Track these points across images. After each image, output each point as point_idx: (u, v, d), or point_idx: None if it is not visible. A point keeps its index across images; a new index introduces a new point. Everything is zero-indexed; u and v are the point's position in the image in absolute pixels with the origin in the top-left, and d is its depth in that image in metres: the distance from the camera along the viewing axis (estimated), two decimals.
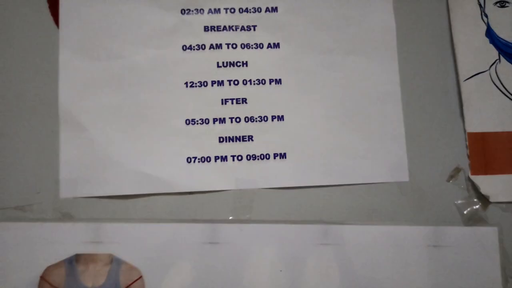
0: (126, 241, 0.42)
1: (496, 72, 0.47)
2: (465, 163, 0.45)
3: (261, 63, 0.46)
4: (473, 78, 0.47)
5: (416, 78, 0.47)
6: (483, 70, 0.47)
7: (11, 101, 0.44)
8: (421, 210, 0.45)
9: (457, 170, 0.45)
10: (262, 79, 0.46)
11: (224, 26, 0.46)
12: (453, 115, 0.46)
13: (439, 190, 0.45)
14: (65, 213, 0.43)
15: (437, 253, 0.44)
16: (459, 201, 0.45)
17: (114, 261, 0.42)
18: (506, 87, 0.47)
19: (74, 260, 0.42)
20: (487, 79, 0.47)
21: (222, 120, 0.45)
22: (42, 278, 0.41)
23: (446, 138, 0.46)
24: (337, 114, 0.46)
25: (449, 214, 0.45)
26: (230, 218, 0.44)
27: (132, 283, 0.42)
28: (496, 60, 0.47)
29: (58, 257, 0.42)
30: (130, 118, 0.44)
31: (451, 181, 0.45)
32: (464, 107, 0.46)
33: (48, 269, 0.41)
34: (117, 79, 0.44)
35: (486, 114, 0.46)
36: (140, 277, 0.42)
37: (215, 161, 0.44)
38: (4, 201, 0.42)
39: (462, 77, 0.47)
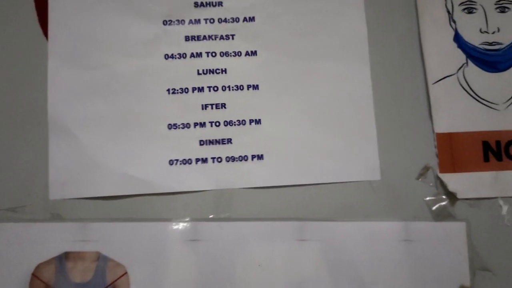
0: (112, 239, 0.45)
1: (463, 75, 0.49)
2: (434, 161, 0.48)
3: (239, 70, 0.48)
4: (441, 81, 0.49)
5: (387, 81, 0.49)
6: (451, 74, 0.49)
7: (2, 108, 0.46)
8: (392, 207, 0.47)
9: (426, 168, 0.48)
10: (240, 85, 0.48)
11: (204, 36, 0.48)
12: (422, 117, 0.49)
13: (409, 188, 0.47)
14: (55, 213, 0.45)
15: (409, 247, 0.46)
16: (428, 198, 0.47)
17: (100, 258, 0.44)
18: (473, 89, 0.49)
19: (64, 258, 0.44)
20: (455, 82, 0.49)
21: (203, 124, 0.47)
22: (34, 275, 0.44)
23: (416, 139, 0.48)
24: (312, 116, 0.48)
25: (419, 210, 0.47)
26: (211, 216, 0.46)
27: (118, 278, 0.44)
28: (463, 63, 0.50)
29: (48, 255, 0.44)
30: (116, 124, 0.47)
31: (420, 179, 0.48)
32: (433, 109, 0.49)
33: (39, 267, 0.44)
34: (103, 87, 0.47)
35: (453, 115, 0.49)
36: (125, 273, 0.44)
37: (196, 163, 0.47)
38: None
39: (430, 80, 0.49)
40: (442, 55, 0.50)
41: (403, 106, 0.49)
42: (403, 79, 0.49)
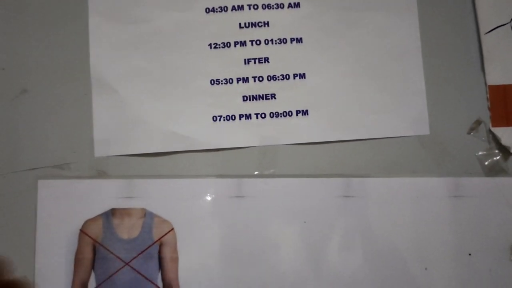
0: (157, 196, 0.45)
1: None
2: (486, 115, 0.46)
3: (282, 22, 0.47)
4: (494, 31, 0.47)
5: (436, 32, 0.47)
6: (504, 23, 0.47)
7: (45, 65, 0.46)
8: (442, 162, 0.46)
9: (478, 122, 0.46)
10: (284, 38, 0.47)
11: None
12: (473, 68, 0.47)
13: (460, 143, 0.46)
14: (100, 170, 0.45)
15: (459, 204, 0.45)
16: (480, 153, 0.46)
17: (147, 215, 0.44)
18: None
19: (110, 214, 0.44)
20: (508, 31, 0.47)
21: (246, 80, 0.46)
22: (82, 231, 0.44)
23: (467, 91, 0.46)
24: (358, 70, 0.46)
25: (470, 166, 0.46)
26: (255, 173, 0.45)
27: (165, 234, 0.44)
28: None
29: (95, 212, 0.44)
30: (158, 80, 0.46)
31: (472, 134, 0.46)
32: (485, 60, 0.46)
33: (87, 223, 0.44)
34: (144, 42, 0.46)
35: (507, 67, 0.46)
36: (172, 229, 0.44)
37: (240, 119, 0.46)
38: (43, 160, 0.45)
39: (483, 30, 0.47)
40: (495, 4, 0.47)
41: (453, 57, 0.47)
42: (454, 29, 0.47)
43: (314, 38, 0.47)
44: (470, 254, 0.44)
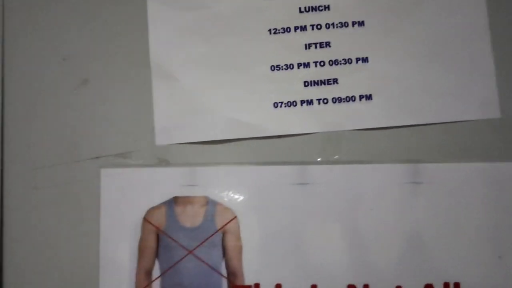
0: (219, 183, 0.44)
1: None
2: None
3: (343, 5, 0.46)
4: None
5: (505, 9, 0.45)
6: None
7: (106, 54, 0.46)
8: None
9: None
10: (345, 22, 0.45)
11: None
12: None
13: None
14: (162, 159, 0.45)
15: None
16: None
17: (209, 203, 0.44)
18: None
19: (173, 202, 0.44)
20: None
21: (307, 65, 0.45)
22: (145, 219, 0.44)
23: None
24: (423, 52, 0.45)
25: None
26: (319, 159, 0.44)
27: (228, 222, 0.43)
28: None
29: (158, 200, 0.44)
30: (217, 66, 0.45)
31: None
32: None
33: (150, 211, 0.44)
34: (203, 29, 0.46)
35: None
36: (235, 217, 0.43)
37: (301, 105, 0.45)
38: (106, 149, 0.45)
39: None
40: None
41: None
42: None
43: (376, 21, 0.45)
44: None
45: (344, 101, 0.45)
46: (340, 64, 0.45)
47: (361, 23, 0.45)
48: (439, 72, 0.45)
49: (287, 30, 0.46)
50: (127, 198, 0.44)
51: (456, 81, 0.44)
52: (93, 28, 0.46)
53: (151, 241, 0.43)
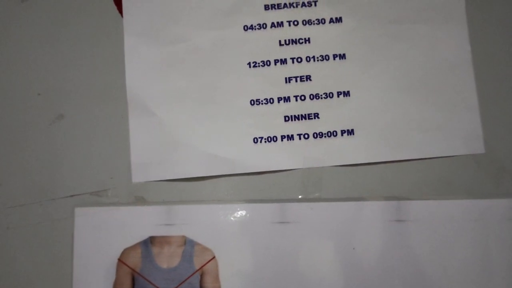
0: (198, 222, 0.43)
1: None
2: None
3: (323, 38, 0.45)
4: None
5: (487, 44, 0.44)
6: None
7: (81, 89, 0.45)
8: (500, 183, 0.43)
9: None
10: (326, 55, 0.45)
11: (285, 4, 0.45)
12: None
13: None
14: (138, 196, 0.43)
15: None
16: None
17: (187, 243, 0.42)
18: None
19: (149, 242, 0.42)
20: None
21: (287, 99, 0.44)
22: (120, 260, 0.42)
23: None
24: (406, 86, 0.44)
25: None
26: (300, 197, 0.43)
27: (206, 263, 0.42)
28: None
29: (133, 240, 0.43)
30: (196, 101, 0.44)
31: None
32: None
33: (125, 252, 0.42)
34: (182, 62, 0.45)
35: None
36: (214, 257, 0.42)
37: (282, 140, 0.44)
38: (81, 187, 0.44)
39: None
40: None
41: (507, 70, 0.44)
42: (506, 41, 0.44)
43: (358, 54, 0.44)
44: None
45: (325, 136, 0.44)
46: (321, 98, 0.44)
47: (342, 56, 0.45)
48: (423, 106, 0.44)
49: (267, 63, 0.45)
50: (101, 238, 0.43)
51: (440, 116, 0.44)
52: (69, 63, 0.45)
53: (127, 284, 0.42)
